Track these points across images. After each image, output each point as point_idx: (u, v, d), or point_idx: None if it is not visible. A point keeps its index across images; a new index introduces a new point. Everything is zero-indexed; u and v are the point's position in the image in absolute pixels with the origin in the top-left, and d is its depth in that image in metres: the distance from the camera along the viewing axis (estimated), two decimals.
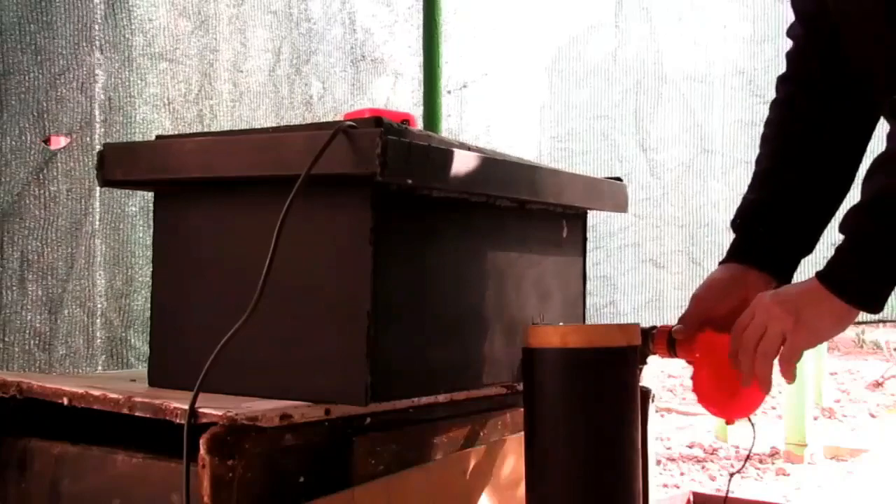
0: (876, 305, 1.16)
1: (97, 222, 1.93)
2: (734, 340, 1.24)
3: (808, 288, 1.19)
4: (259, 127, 2.17)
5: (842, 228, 1.18)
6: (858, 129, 1.36)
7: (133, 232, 1.98)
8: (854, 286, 1.16)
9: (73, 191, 1.90)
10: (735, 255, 1.37)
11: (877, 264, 1.15)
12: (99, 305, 1.93)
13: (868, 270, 1.15)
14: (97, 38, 1.92)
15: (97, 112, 1.92)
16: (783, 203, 1.36)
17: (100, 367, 1.94)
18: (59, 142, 1.89)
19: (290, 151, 1.19)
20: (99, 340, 1.93)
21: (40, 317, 1.86)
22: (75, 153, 1.90)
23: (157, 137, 1.52)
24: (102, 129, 1.93)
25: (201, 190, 1.34)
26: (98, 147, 1.91)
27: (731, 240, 1.40)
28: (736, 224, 1.40)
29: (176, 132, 2.00)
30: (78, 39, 1.90)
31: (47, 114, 1.86)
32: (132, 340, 1.96)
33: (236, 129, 2.13)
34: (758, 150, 1.42)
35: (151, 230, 1.45)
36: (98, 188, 1.92)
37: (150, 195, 1.95)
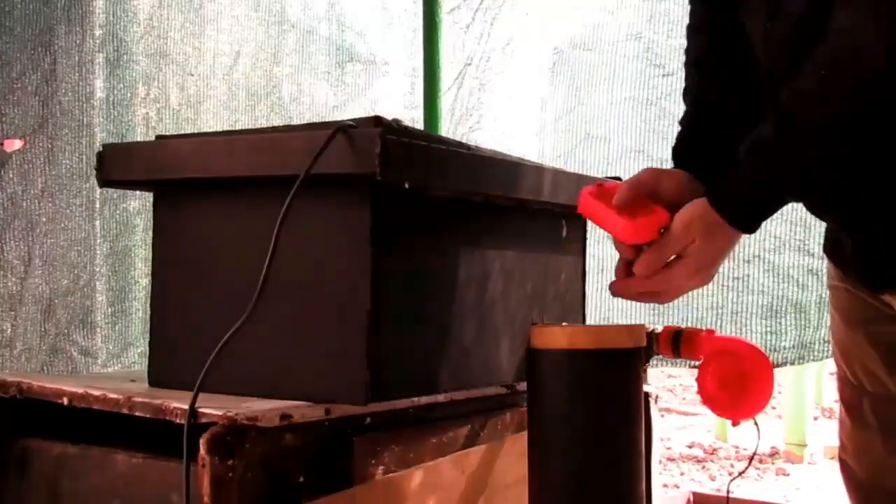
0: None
1: (49, 223, 1.94)
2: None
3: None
4: (256, 127, 2.18)
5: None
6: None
7: (79, 231, 1.99)
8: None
9: (27, 191, 1.91)
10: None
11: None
12: (49, 304, 1.94)
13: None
14: (53, 43, 1.94)
15: (49, 115, 1.94)
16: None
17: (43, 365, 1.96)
18: (12, 144, 1.90)
19: (289, 151, 1.19)
20: (49, 337, 1.95)
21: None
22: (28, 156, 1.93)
23: (157, 137, 1.52)
24: (54, 132, 1.95)
25: (201, 190, 1.34)
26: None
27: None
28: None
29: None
30: (35, 45, 1.91)
31: (3, 117, 1.88)
32: (74, 336, 1.98)
33: (235, 129, 2.13)
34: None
35: (150, 231, 1.44)
36: (44, 188, 1.95)
37: (92, 193, 1.97)
